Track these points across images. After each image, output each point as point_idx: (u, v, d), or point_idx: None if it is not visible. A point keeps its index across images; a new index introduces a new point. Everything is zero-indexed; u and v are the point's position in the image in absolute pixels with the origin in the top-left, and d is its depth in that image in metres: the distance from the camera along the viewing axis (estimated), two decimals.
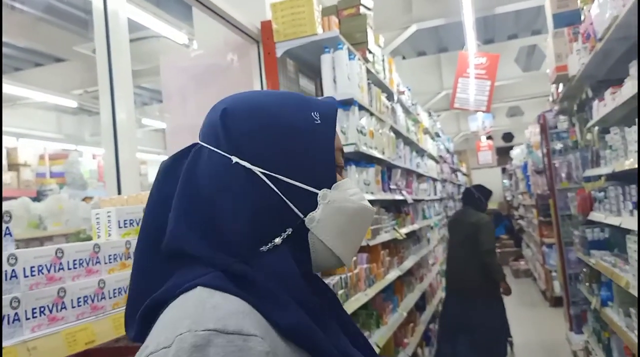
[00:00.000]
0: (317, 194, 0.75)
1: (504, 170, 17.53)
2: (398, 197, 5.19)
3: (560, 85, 5.11)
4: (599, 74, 4.12)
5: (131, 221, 1.34)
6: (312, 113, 0.77)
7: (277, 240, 0.73)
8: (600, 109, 3.80)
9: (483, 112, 8.28)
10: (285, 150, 0.74)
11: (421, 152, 8.36)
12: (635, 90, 2.84)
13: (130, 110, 2.74)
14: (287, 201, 0.73)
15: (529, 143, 8.98)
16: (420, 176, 7.56)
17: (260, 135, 0.73)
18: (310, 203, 0.75)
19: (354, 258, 3.48)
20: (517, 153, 12.84)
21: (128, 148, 2.62)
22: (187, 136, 4.32)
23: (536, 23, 11.83)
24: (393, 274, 4.48)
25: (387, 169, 5.08)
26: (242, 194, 0.72)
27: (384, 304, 4.25)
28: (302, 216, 0.75)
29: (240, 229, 0.71)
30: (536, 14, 11.07)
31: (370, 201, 4.35)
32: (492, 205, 13.47)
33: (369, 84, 4.52)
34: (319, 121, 0.77)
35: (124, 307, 1.18)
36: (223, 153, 0.74)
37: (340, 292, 3.04)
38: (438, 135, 11.75)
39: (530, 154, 8.63)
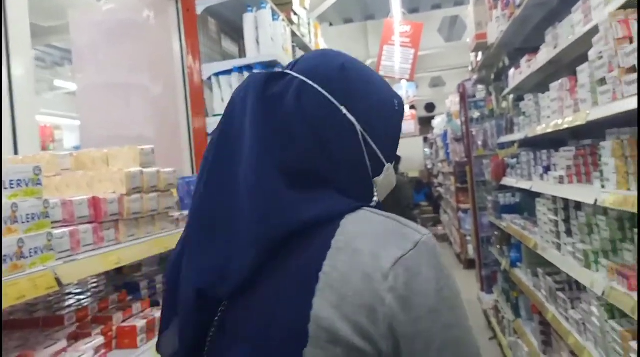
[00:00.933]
0: (384, 164, 0.85)
1: (425, 139, 18.04)
2: None
3: (480, 54, 5.24)
4: (516, 42, 4.24)
5: (19, 182, 1.20)
6: (395, 100, 0.88)
7: (376, 198, 0.84)
8: (516, 76, 3.92)
9: (407, 80, 8.37)
10: (380, 120, 0.83)
11: None
12: (551, 56, 2.93)
13: (29, 67, 2.50)
14: (367, 161, 0.82)
15: (449, 112, 9.24)
16: None
17: (368, 100, 0.82)
18: (377, 169, 0.84)
19: None
20: (438, 122, 13.21)
21: (26, 106, 2.39)
22: (100, 95, 4.05)
23: None
24: None
25: None
26: (342, 142, 0.79)
27: None
28: (371, 177, 0.84)
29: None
30: None
31: None
32: (414, 173, 13.87)
33: (293, 47, 4.41)
34: (397, 108, 0.88)
35: (12, 276, 1.08)
36: (335, 101, 0.79)
37: None
38: None
39: (450, 123, 8.89)
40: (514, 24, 3.63)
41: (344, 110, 0.80)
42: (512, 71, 4.10)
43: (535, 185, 3.19)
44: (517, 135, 3.87)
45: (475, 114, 7.25)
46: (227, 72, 3.70)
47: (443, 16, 12.72)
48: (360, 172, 0.82)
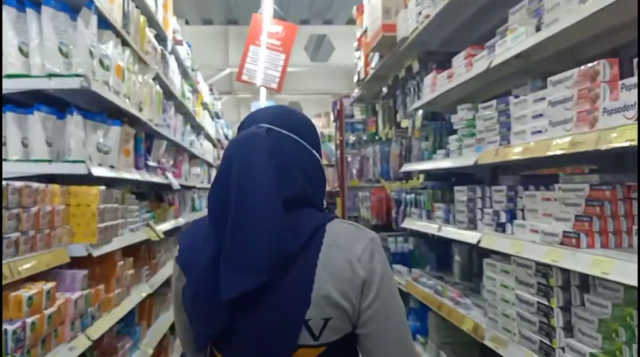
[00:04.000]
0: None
1: None
2: (157, 179, 3.65)
3: (376, 57, 4.18)
4: (436, 40, 3.21)
5: None
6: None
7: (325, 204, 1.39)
8: (440, 83, 2.84)
9: (274, 90, 7.16)
10: (320, 152, 1.22)
11: (198, 129, 6.89)
12: (535, 40, 1.85)
13: None
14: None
15: (321, 133, 8.21)
16: (194, 157, 6.11)
17: (318, 141, 1.22)
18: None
19: (50, 286, 1.87)
20: None
21: None
22: None
23: (329, 12, 11.31)
24: (136, 296, 2.94)
25: (146, 137, 3.52)
26: (318, 175, 1.19)
27: (114, 342, 2.71)
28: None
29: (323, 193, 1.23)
30: (330, 1, 10.51)
31: (108, 181, 2.77)
32: None
33: (126, 1, 2.92)
34: None
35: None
36: (311, 149, 1.18)
37: None
38: (218, 116, 10.40)
39: (322, 144, 7.84)
40: (450, 5, 2.55)
41: (316, 154, 1.20)
42: (431, 76, 3.03)
43: (486, 239, 2.07)
44: (442, 163, 2.77)
45: (351, 138, 6.24)
46: None
47: (311, 33, 11.88)
48: (324, 190, 1.24)
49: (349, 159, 6.08)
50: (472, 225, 2.30)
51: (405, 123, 3.85)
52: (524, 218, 1.96)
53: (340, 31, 11.53)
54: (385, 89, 4.59)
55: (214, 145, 8.53)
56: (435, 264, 3.67)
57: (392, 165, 4.53)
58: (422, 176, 3.43)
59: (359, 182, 5.96)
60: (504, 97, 2.00)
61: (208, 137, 8.07)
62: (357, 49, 5.00)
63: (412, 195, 3.69)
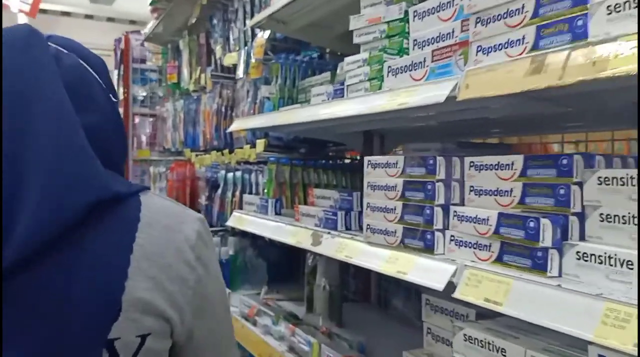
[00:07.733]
0: None
1: None
2: None
3: None
4: None
5: None
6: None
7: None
8: None
9: (27, 14, 5.08)
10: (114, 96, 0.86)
11: None
12: None
13: None
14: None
15: None
16: None
17: (108, 75, 0.84)
18: None
19: None
20: None
21: None
22: None
23: None
24: None
25: None
26: (117, 120, 0.82)
27: None
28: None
29: None
30: None
31: None
32: None
33: None
34: None
35: None
36: (96, 76, 0.79)
37: None
38: None
39: None
40: None
41: (110, 95, 0.80)
42: None
43: (481, 285, 0.85)
44: (342, 106, 1.45)
45: (141, 93, 4.61)
46: None
47: None
48: (125, 150, 0.84)
49: (137, 121, 4.47)
50: (414, 240, 1.04)
51: (231, 59, 2.46)
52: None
53: None
54: (194, 17, 3.12)
55: None
56: (267, 276, 2.51)
57: (202, 129, 3.13)
58: (261, 144, 2.09)
59: (150, 154, 4.41)
60: None
61: None
62: None
63: (241, 173, 2.37)
